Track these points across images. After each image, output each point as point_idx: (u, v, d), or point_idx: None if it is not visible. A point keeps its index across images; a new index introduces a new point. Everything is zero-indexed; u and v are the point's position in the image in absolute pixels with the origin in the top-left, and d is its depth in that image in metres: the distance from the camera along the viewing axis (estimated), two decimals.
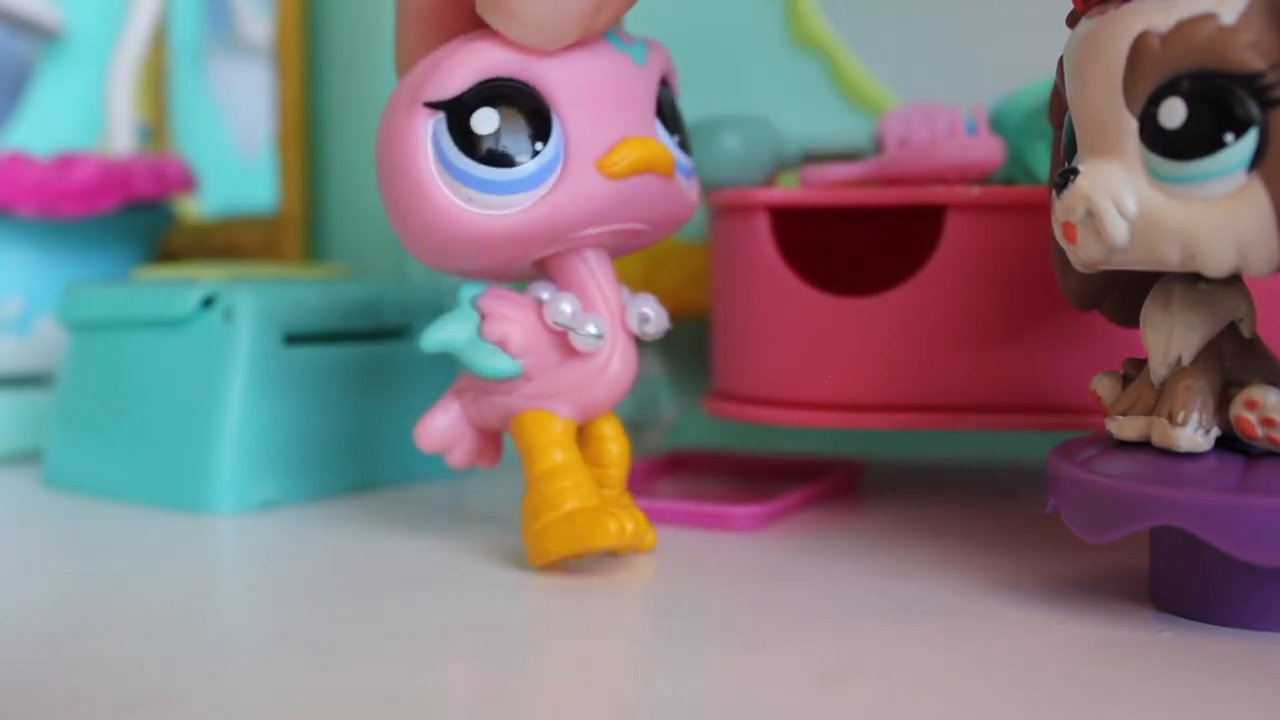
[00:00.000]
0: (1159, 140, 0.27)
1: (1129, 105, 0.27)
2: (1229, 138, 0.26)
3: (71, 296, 0.49)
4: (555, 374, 0.34)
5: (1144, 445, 0.29)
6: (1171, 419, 0.28)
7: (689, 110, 0.37)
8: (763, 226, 0.42)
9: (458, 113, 0.32)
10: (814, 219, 0.43)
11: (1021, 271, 0.39)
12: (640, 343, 0.36)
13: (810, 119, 0.52)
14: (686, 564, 0.35)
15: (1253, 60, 0.25)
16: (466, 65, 0.32)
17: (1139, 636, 0.28)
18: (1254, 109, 0.25)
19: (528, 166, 0.32)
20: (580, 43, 0.33)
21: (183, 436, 0.44)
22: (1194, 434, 0.28)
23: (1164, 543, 0.30)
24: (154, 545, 0.39)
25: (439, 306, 0.51)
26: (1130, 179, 0.27)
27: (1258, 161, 0.25)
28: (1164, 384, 0.29)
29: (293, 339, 0.45)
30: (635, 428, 0.52)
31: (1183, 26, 0.26)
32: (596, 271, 0.35)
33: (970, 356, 0.40)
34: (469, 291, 0.35)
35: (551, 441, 0.34)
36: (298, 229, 0.67)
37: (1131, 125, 0.27)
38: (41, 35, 0.71)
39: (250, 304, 0.44)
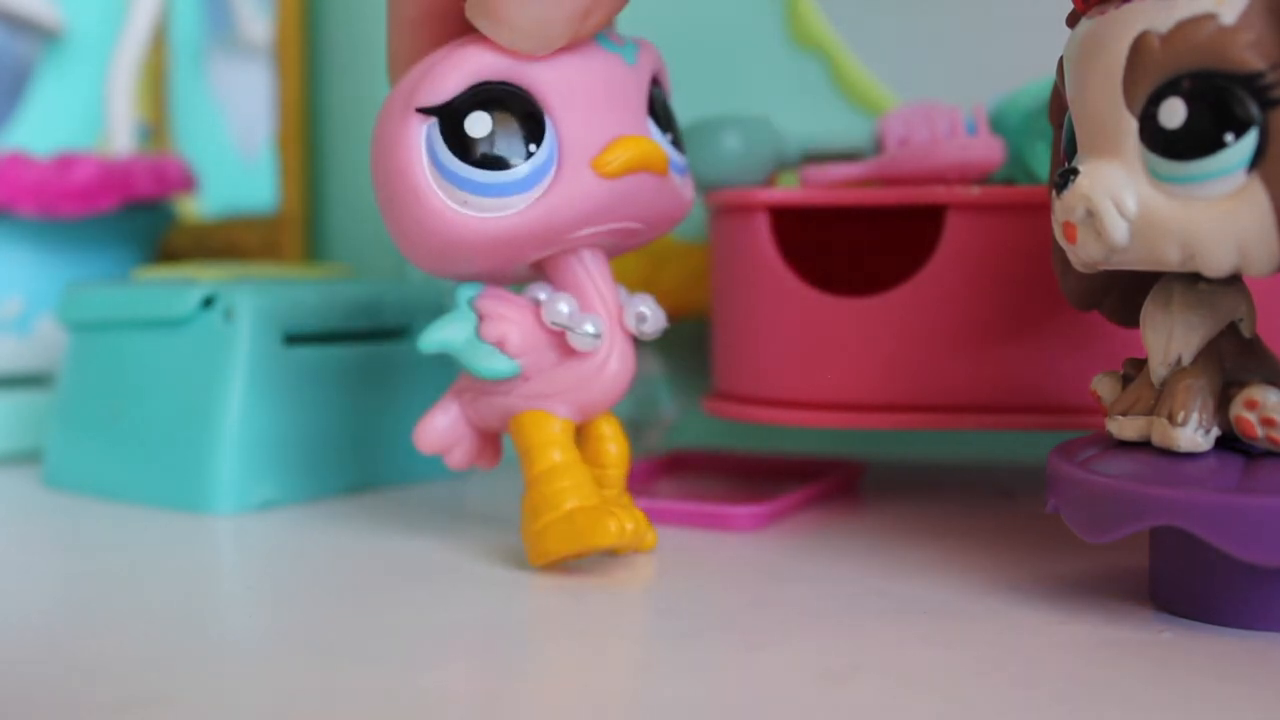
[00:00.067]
0: (1159, 140, 0.27)
1: (1129, 105, 0.27)
2: (1229, 138, 0.26)
3: (71, 296, 0.49)
4: (553, 374, 0.34)
5: (1144, 445, 0.29)
6: (1171, 419, 0.28)
7: (689, 110, 0.37)
8: (763, 226, 0.42)
9: (450, 117, 0.32)
10: (814, 219, 0.43)
11: (1021, 271, 0.39)
12: (639, 342, 0.36)
13: (810, 119, 0.52)
14: (686, 564, 0.35)
15: (1253, 60, 0.25)
16: (458, 70, 0.32)
17: (1139, 636, 0.28)
18: (1254, 109, 0.25)
19: (522, 168, 0.33)
20: (570, 45, 0.33)
21: (183, 436, 0.44)
22: (1194, 434, 0.28)
23: (1164, 543, 0.30)
24: (154, 545, 0.39)
25: (439, 306, 0.50)
26: (1130, 179, 0.27)
27: (1258, 161, 0.25)
28: (1164, 384, 0.29)
29: (293, 339, 0.45)
30: (635, 428, 0.52)
31: (1183, 26, 0.26)
32: (593, 271, 0.35)
33: (970, 356, 0.40)
34: (466, 292, 0.35)
35: (550, 441, 0.34)
36: (298, 229, 0.67)
37: (1131, 125, 0.27)
38: (41, 35, 0.71)
39: (250, 304, 0.44)
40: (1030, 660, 0.27)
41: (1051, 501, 0.30)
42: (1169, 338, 0.29)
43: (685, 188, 0.36)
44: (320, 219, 0.68)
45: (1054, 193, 0.29)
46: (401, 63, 0.35)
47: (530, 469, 0.34)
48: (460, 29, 0.33)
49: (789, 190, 0.44)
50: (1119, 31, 0.27)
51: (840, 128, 0.48)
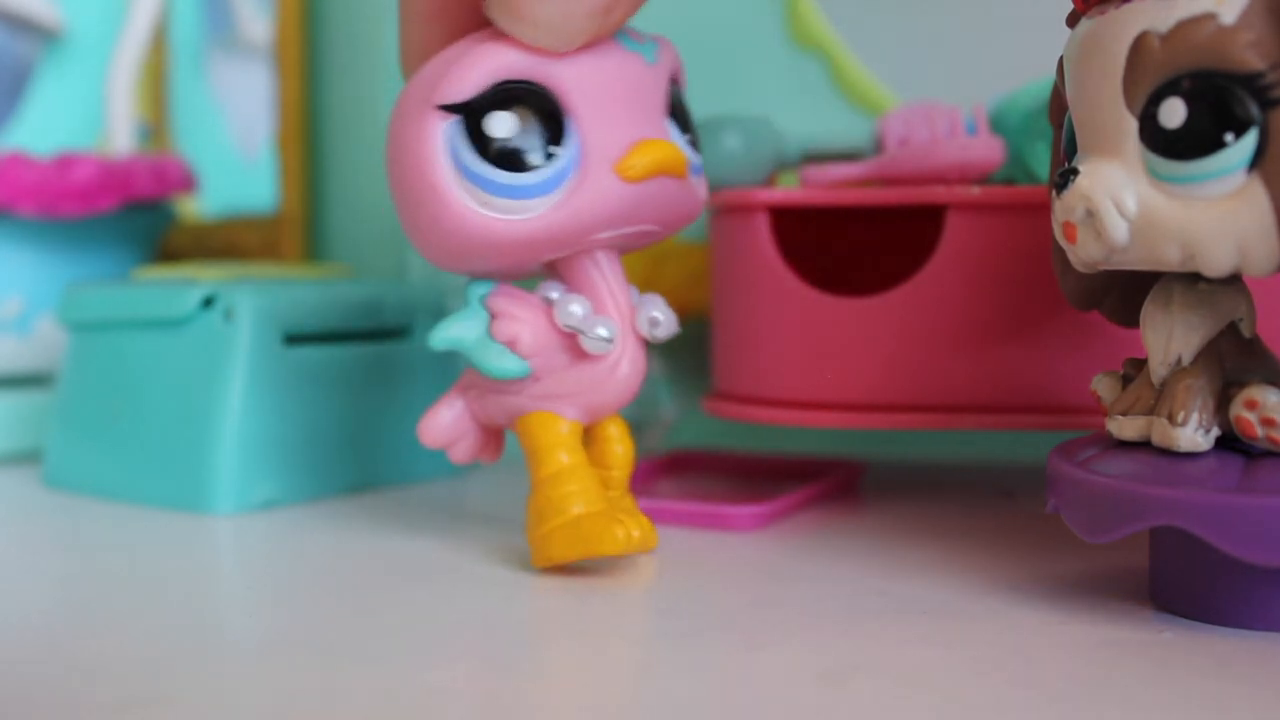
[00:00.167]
0: (1159, 140, 0.27)
1: (1129, 105, 0.27)
2: (1229, 138, 0.26)
3: (71, 296, 0.49)
4: (563, 375, 0.34)
5: (1144, 445, 0.29)
6: (1171, 419, 0.28)
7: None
8: (763, 226, 0.42)
9: (472, 116, 0.32)
10: (814, 219, 0.43)
11: (1021, 271, 0.39)
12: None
13: (810, 119, 0.52)
14: (686, 564, 0.35)
15: (1253, 60, 0.25)
16: (479, 67, 0.32)
17: (1139, 636, 0.28)
18: (1254, 109, 0.25)
19: (545, 170, 0.32)
20: (592, 43, 0.32)
21: (183, 436, 0.44)
22: (1194, 434, 0.28)
23: (1164, 543, 0.30)
24: (154, 545, 0.39)
25: (439, 306, 0.51)
26: (1130, 179, 0.27)
27: (1258, 161, 0.25)
28: (1164, 384, 0.29)
29: (293, 339, 0.45)
30: (635, 428, 0.52)
31: (1183, 26, 0.26)
32: (607, 273, 0.35)
33: (970, 356, 0.40)
34: (478, 290, 0.34)
35: (558, 443, 0.34)
36: (298, 229, 0.67)
37: (1131, 125, 0.27)
38: (41, 35, 0.71)
39: (250, 304, 0.44)
40: (1030, 660, 0.27)
41: (1051, 501, 0.30)
42: (1169, 338, 0.29)
43: (701, 188, 0.36)
44: (320, 219, 0.68)
45: (1054, 193, 0.29)
46: (415, 56, 0.34)
47: (537, 471, 0.34)
48: (475, 21, 0.33)
49: (789, 190, 0.44)
50: (1119, 31, 0.27)
51: (840, 128, 0.48)
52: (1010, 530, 0.39)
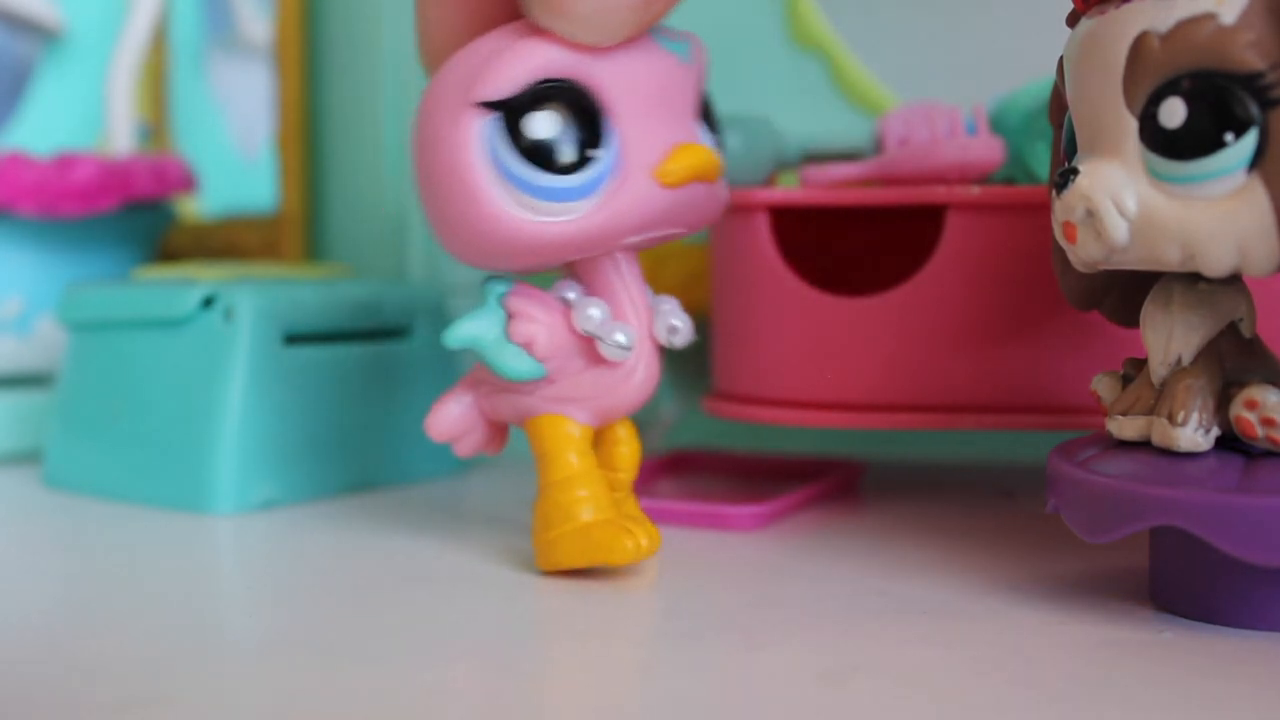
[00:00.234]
0: (1159, 140, 0.27)
1: (1129, 105, 0.27)
2: (1229, 138, 0.26)
3: (71, 296, 0.49)
4: (578, 379, 0.34)
5: (1144, 445, 0.29)
6: (1171, 419, 0.28)
7: None
8: (763, 226, 0.42)
9: (512, 114, 0.31)
10: (814, 219, 0.43)
11: (1021, 271, 0.39)
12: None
13: (810, 119, 0.52)
14: (686, 564, 0.35)
15: (1253, 60, 0.25)
16: (520, 64, 0.31)
17: (1139, 636, 0.28)
18: (1254, 109, 0.25)
19: (585, 173, 0.32)
20: (631, 41, 0.32)
21: (183, 436, 0.44)
22: (1194, 434, 0.28)
23: (1164, 543, 0.30)
24: (154, 545, 0.39)
25: (439, 306, 0.51)
26: (1130, 179, 0.27)
27: (1258, 161, 0.25)
28: (1164, 384, 0.29)
29: (293, 339, 0.45)
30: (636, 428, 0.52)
31: (1183, 26, 0.26)
32: (627, 277, 0.34)
33: (970, 356, 0.40)
34: (496, 289, 0.34)
35: (569, 447, 0.34)
36: (298, 229, 0.67)
37: (1131, 125, 0.27)
38: (41, 35, 0.71)
39: (250, 304, 0.44)
40: (1030, 660, 0.27)
41: (1051, 501, 0.30)
42: (1169, 338, 0.29)
43: (724, 190, 0.35)
44: (320, 219, 0.68)
45: (1054, 193, 0.29)
46: (439, 48, 0.33)
47: (547, 474, 0.34)
48: (504, 11, 0.32)
49: (789, 190, 0.44)
50: (1119, 31, 0.27)
51: (840, 128, 0.48)
52: (1010, 530, 0.39)
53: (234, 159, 0.73)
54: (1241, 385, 0.28)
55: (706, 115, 0.35)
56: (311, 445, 0.45)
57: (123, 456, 0.45)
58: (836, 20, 0.54)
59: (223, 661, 0.28)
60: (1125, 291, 0.32)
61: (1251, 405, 0.28)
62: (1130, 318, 0.31)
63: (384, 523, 0.41)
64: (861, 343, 0.41)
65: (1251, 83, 0.25)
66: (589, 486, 0.33)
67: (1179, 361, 0.29)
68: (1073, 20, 0.30)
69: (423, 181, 0.33)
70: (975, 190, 0.39)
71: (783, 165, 0.46)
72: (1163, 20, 0.26)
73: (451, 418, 0.36)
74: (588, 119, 0.32)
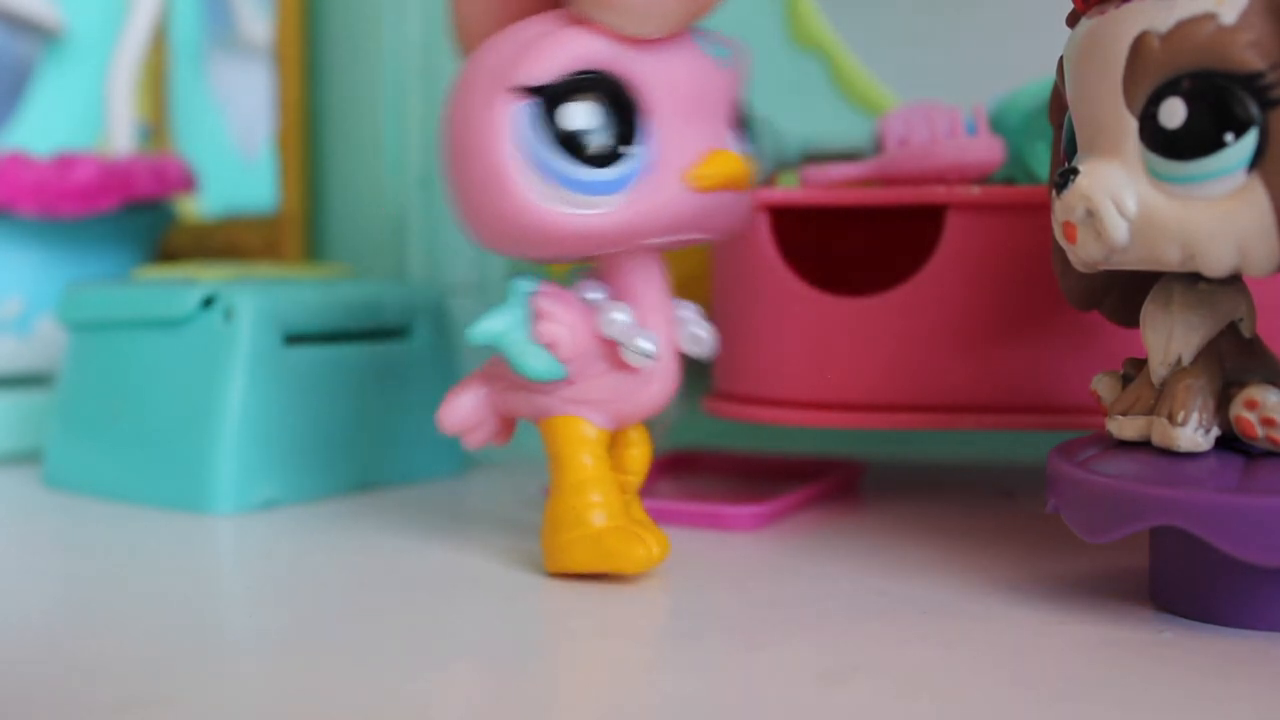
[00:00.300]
0: (1159, 140, 0.27)
1: (1129, 105, 0.27)
2: (1229, 138, 0.26)
3: (71, 296, 0.49)
4: (597, 382, 0.33)
5: (1144, 445, 0.29)
6: (1171, 419, 0.28)
7: None
8: (763, 226, 0.42)
9: (548, 102, 0.31)
10: (814, 219, 0.43)
11: (1021, 271, 0.39)
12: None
13: (810, 119, 0.52)
14: (686, 564, 0.35)
15: (1253, 60, 0.25)
16: (561, 51, 0.31)
17: (1139, 636, 0.28)
18: (1254, 109, 0.25)
19: (617, 168, 0.31)
20: (673, 39, 0.31)
21: (183, 436, 0.44)
22: (1194, 434, 0.28)
23: (1164, 543, 0.30)
24: (154, 545, 0.39)
25: (439, 306, 0.51)
26: (1130, 179, 0.27)
27: (1258, 161, 0.25)
28: (1164, 384, 0.29)
29: (293, 339, 0.45)
30: None
31: (1183, 26, 0.26)
32: (652, 281, 0.34)
33: (970, 356, 0.40)
34: (523, 286, 0.33)
35: (583, 449, 0.33)
36: (298, 229, 0.67)
37: (1131, 125, 0.27)
38: (41, 35, 0.71)
39: (250, 304, 0.44)
40: (1030, 660, 0.27)
41: (1051, 501, 0.30)
42: (1169, 338, 0.29)
43: (750, 199, 0.35)
44: (320, 219, 0.68)
45: (1054, 193, 0.29)
46: (474, 30, 0.33)
47: (561, 476, 0.34)
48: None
49: (789, 190, 0.44)
50: (1119, 31, 0.27)
51: (840, 128, 0.48)
52: (1010, 530, 0.39)
53: (234, 159, 0.73)
54: (1241, 385, 0.28)
55: (742, 123, 0.34)
56: (311, 445, 0.45)
57: (123, 456, 0.45)
58: (836, 20, 0.54)
59: (223, 661, 0.28)
60: (1125, 291, 0.32)
61: (1251, 405, 0.28)
62: (1130, 318, 0.31)
63: (384, 523, 0.41)
64: (862, 343, 0.41)
65: (1251, 83, 0.25)
66: (602, 491, 0.33)
67: (1179, 361, 0.29)
68: (1073, 20, 0.30)
69: (451, 163, 0.33)
70: (975, 190, 0.39)
71: (783, 165, 0.46)
72: (1163, 20, 0.26)
73: (464, 410, 0.35)
74: (624, 114, 0.31)
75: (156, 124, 0.74)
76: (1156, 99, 0.26)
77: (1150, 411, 0.29)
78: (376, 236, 0.63)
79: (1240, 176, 0.26)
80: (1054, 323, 0.39)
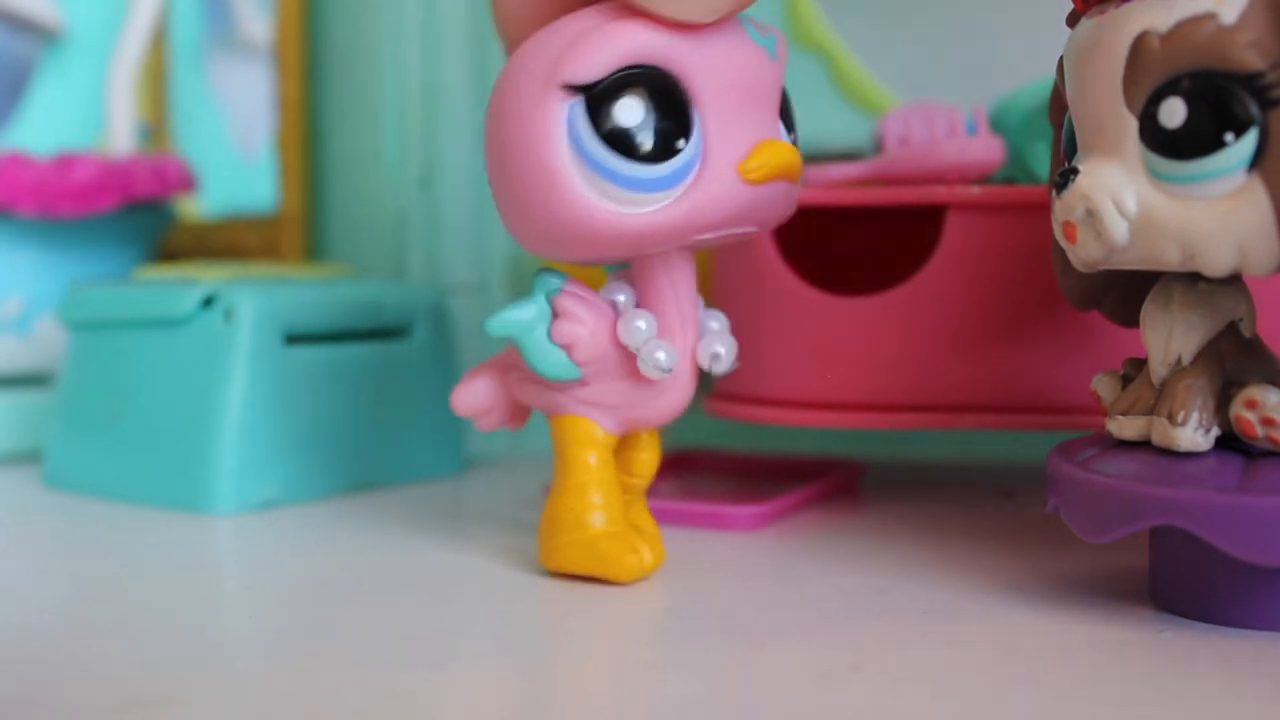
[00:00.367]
0: (1159, 140, 0.27)
1: (1129, 105, 0.27)
2: (1229, 137, 0.26)
3: (71, 296, 0.49)
4: (611, 386, 0.33)
5: (1144, 445, 0.29)
6: (1171, 419, 0.28)
7: None
8: None
9: (600, 99, 0.30)
10: (814, 219, 0.43)
11: (1021, 271, 0.39)
12: None
13: (810, 119, 0.52)
14: (686, 564, 0.35)
15: (1253, 60, 0.25)
16: (610, 45, 0.30)
17: (1139, 636, 0.28)
18: (1254, 109, 0.25)
19: (670, 164, 0.30)
20: (723, 29, 0.31)
21: (183, 436, 0.44)
22: (1194, 434, 0.28)
23: (1164, 543, 0.30)
24: (154, 545, 0.39)
25: (439, 306, 0.51)
26: (1130, 179, 0.27)
27: (1258, 161, 0.25)
28: (1164, 384, 0.29)
29: (293, 339, 0.45)
30: None
31: (1183, 26, 0.26)
32: (680, 285, 0.33)
33: (970, 356, 0.40)
34: (548, 284, 0.33)
35: (589, 450, 0.33)
36: (298, 229, 0.67)
37: (1131, 125, 0.27)
38: (41, 35, 0.71)
39: (250, 304, 0.44)
40: (1030, 660, 0.27)
41: (1051, 501, 0.30)
42: (1169, 338, 0.29)
43: (798, 189, 0.34)
44: (320, 219, 0.68)
45: (1054, 193, 0.29)
46: (518, 23, 0.32)
47: (564, 475, 0.34)
48: None
49: None
50: (1119, 31, 0.27)
51: (840, 128, 0.48)
52: (1010, 530, 0.39)
53: (234, 159, 0.73)
54: (1241, 385, 0.28)
55: (785, 113, 0.34)
56: (311, 445, 0.45)
57: (123, 456, 0.45)
58: (836, 20, 0.54)
59: (223, 661, 0.28)
60: (1125, 291, 0.32)
61: (1251, 405, 0.28)
62: (1130, 318, 0.31)
63: (384, 522, 0.41)
64: (861, 343, 0.41)
65: (1251, 83, 0.25)
66: (603, 493, 0.33)
67: (1179, 361, 0.29)
68: (1073, 20, 0.30)
69: (496, 163, 0.32)
70: (975, 190, 0.39)
71: None
72: (1163, 20, 0.26)
73: (478, 394, 0.35)
74: (675, 108, 0.31)
75: (156, 124, 0.74)
76: (1156, 99, 0.26)
77: (1150, 411, 0.29)
78: (376, 236, 0.63)
79: (1240, 176, 0.26)
80: (1054, 323, 0.39)
